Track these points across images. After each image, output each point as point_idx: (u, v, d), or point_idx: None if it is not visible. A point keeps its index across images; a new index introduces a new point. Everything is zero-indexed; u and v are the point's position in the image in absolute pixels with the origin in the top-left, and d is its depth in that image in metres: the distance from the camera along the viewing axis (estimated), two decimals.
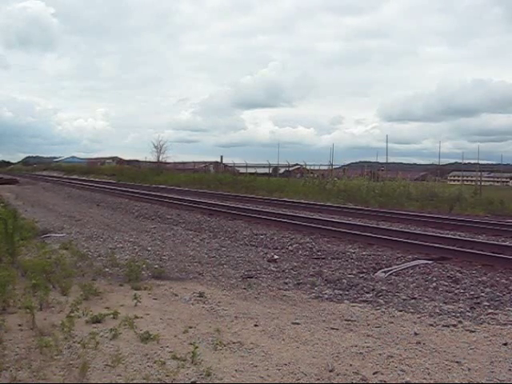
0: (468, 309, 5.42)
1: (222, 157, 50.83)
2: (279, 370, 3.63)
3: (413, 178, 33.20)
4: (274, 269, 7.57)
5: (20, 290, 5.40)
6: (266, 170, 44.91)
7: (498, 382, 3.49)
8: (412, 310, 5.36)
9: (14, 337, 4.12)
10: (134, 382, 3.35)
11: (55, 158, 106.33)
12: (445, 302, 5.69)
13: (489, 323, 4.92)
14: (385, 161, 34.06)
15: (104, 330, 4.30)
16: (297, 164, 47.19)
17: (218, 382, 3.40)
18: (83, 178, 46.68)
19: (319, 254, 8.84)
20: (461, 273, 7.00)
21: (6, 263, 6.44)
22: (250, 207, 17.13)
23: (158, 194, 23.57)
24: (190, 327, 4.53)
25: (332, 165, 35.09)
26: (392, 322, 4.93)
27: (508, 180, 56.83)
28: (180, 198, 21.11)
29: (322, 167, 39.33)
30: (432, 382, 3.49)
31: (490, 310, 5.37)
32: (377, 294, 6.10)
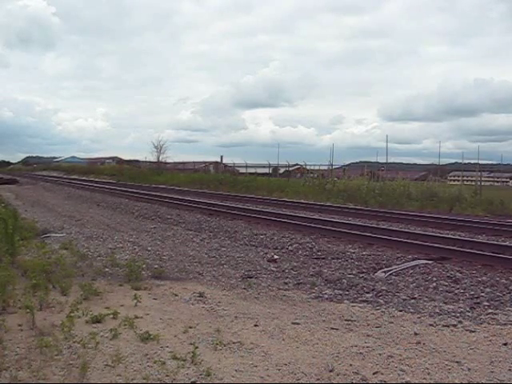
0: (468, 309, 5.42)
1: (221, 157, 50.67)
2: (279, 370, 3.63)
3: (413, 178, 33.16)
4: (273, 269, 7.57)
5: (20, 289, 5.40)
6: (266, 170, 44.86)
7: (498, 381, 3.50)
8: (412, 310, 5.36)
9: (14, 337, 4.12)
10: (134, 381, 3.35)
11: (55, 158, 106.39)
12: (445, 302, 5.69)
13: (489, 323, 4.92)
14: (385, 161, 34.01)
15: (104, 330, 4.30)
16: (297, 164, 47.14)
17: (217, 381, 3.41)
18: (83, 178, 46.69)
19: (319, 253, 8.84)
20: (461, 273, 7.00)
21: (6, 263, 6.43)
22: (250, 207, 17.13)
23: (158, 194, 23.57)
24: (190, 327, 4.53)
25: (332, 165, 35.04)
26: (392, 322, 4.93)
27: (508, 180, 56.85)
28: (180, 197, 21.11)
29: (322, 167, 39.29)
30: (432, 381, 3.49)
31: (489, 310, 5.38)
32: (377, 294, 6.10)
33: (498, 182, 48.22)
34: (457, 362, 3.84)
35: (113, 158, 78.99)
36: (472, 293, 6.06)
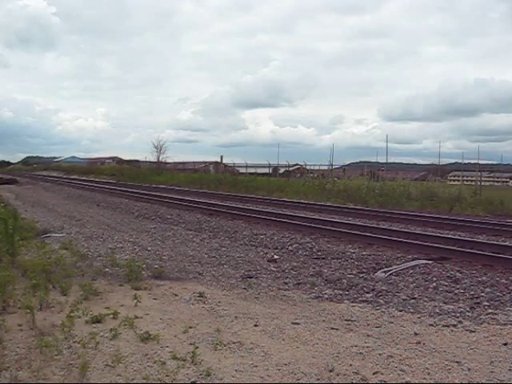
0: (468, 309, 5.43)
1: (222, 157, 50.66)
2: (279, 370, 3.63)
3: (413, 178, 33.15)
4: (273, 269, 7.57)
5: (20, 289, 5.40)
6: (266, 170, 44.87)
7: (498, 381, 3.49)
8: (412, 310, 5.36)
9: (14, 337, 4.12)
10: (134, 382, 3.35)
11: (55, 158, 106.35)
12: (445, 302, 5.69)
13: (489, 323, 4.92)
14: (385, 161, 34.06)
15: (104, 330, 4.30)
16: (297, 164, 47.17)
17: (217, 381, 3.41)
18: (83, 178, 46.70)
19: (319, 253, 8.84)
20: (461, 273, 7.00)
21: (6, 263, 6.43)
22: (250, 207, 17.13)
23: (158, 193, 23.57)
24: (190, 327, 4.53)
25: (332, 165, 35.07)
26: (392, 322, 4.93)
27: (508, 180, 56.82)
28: (180, 198, 21.11)
29: (322, 167, 39.32)
30: (432, 382, 3.49)
31: (489, 310, 5.38)
32: (377, 294, 6.10)
33: (498, 182, 48.21)
34: (457, 362, 3.84)
35: (113, 158, 79.00)
36: (472, 293, 6.06)
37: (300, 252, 9.07)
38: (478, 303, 5.65)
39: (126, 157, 74.58)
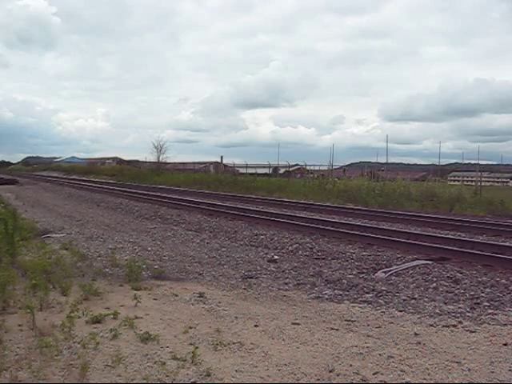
0: (468, 309, 5.42)
1: (222, 157, 50.77)
2: (279, 370, 3.63)
3: (413, 178, 33.19)
4: (274, 269, 7.57)
5: (20, 290, 5.40)
6: (266, 171, 44.89)
7: (498, 382, 3.49)
8: (412, 311, 5.36)
9: (14, 337, 4.12)
10: (134, 382, 3.35)
11: (55, 158, 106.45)
12: (445, 303, 5.69)
13: (489, 323, 4.92)
14: (385, 161, 34.16)
15: (104, 331, 4.30)
16: (297, 164, 47.20)
17: (217, 382, 3.40)
18: (83, 179, 46.69)
19: (319, 254, 8.84)
20: (461, 273, 7.00)
21: (6, 263, 6.43)
22: (250, 207, 17.12)
23: (158, 194, 23.56)
24: (190, 327, 4.53)
25: (332, 165, 35.13)
26: (392, 323, 4.93)
27: (508, 180, 56.85)
28: (180, 198, 21.11)
29: (322, 167, 39.39)
30: (432, 382, 3.49)
31: (490, 311, 5.37)
32: (377, 294, 6.10)
33: (498, 182, 48.26)
34: (457, 362, 3.84)
35: (113, 159, 79.04)
36: (472, 293, 6.05)
37: (300, 252, 9.07)
38: (478, 303, 5.65)
39: (126, 157, 74.81)
